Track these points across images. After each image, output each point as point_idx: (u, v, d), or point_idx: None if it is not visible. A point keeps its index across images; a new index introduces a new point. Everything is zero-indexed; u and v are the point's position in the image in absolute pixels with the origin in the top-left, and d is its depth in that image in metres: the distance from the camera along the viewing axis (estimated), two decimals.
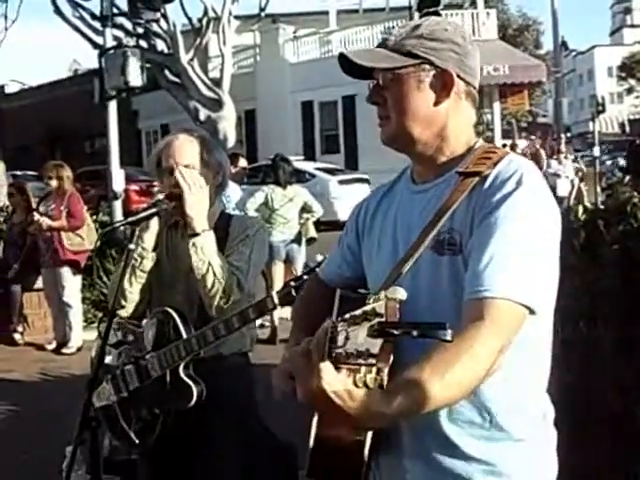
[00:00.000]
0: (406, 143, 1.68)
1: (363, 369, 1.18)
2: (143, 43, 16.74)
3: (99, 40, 14.28)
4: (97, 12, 12.99)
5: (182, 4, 18.02)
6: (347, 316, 1.22)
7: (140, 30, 16.86)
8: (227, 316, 2.42)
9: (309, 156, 22.51)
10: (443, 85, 1.64)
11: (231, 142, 17.53)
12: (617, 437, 3.18)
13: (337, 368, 1.27)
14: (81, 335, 7.74)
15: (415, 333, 1.14)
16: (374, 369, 1.17)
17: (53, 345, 7.87)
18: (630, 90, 54.50)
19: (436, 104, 1.65)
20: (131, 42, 15.01)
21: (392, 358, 1.23)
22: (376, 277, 1.73)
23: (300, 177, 15.82)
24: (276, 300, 2.32)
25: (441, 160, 1.69)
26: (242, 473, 2.69)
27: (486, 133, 23.18)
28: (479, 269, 1.47)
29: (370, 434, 1.50)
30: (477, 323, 1.41)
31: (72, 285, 7.75)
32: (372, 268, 1.79)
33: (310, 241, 8.20)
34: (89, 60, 23.07)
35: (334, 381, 1.27)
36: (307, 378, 1.29)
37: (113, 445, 3.65)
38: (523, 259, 1.47)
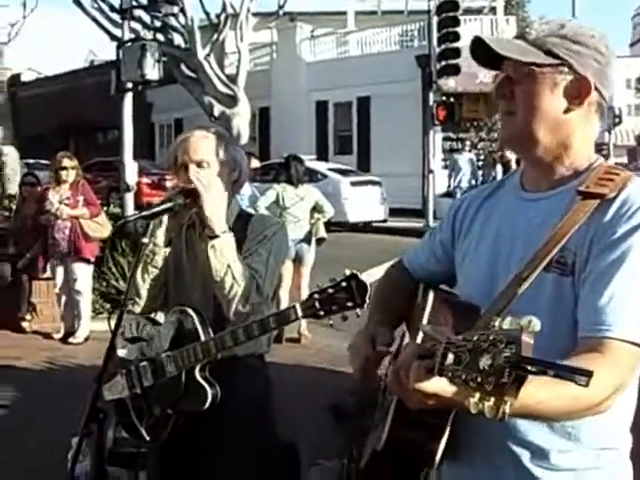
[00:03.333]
0: (527, 144, 1.61)
1: (477, 394, 1.10)
2: (160, 37, 16.73)
3: (116, 32, 14.29)
4: (116, 4, 13.03)
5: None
6: (470, 336, 1.14)
7: (158, 24, 16.85)
8: (247, 322, 2.39)
9: (322, 156, 22.49)
10: (578, 92, 1.57)
11: (244, 139, 17.50)
12: None
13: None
14: (89, 325, 7.77)
15: (551, 373, 1.07)
16: (493, 398, 1.08)
17: (61, 334, 7.90)
18: None
19: (567, 111, 1.58)
20: (148, 35, 15.01)
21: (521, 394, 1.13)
22: (470, 280, 1.70)
23: (312, 177, 15.84)
24: (300, 312, 2.25)
25: (559, 171, 1.62)
26: (250, 474, 2.67)
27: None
28: (600, 305, 1.42)
29: (444, 443, 1.48)
30: (597, 356, 1.36)
31: (84, 275, 7.79)
32: (465, 270, 1.76)
33: (320, 241, 8.20)
34: (105, 52, 23.07)
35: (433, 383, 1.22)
36: (409, 384, 1.25)
37: (117, 437, 3.65)
38: None
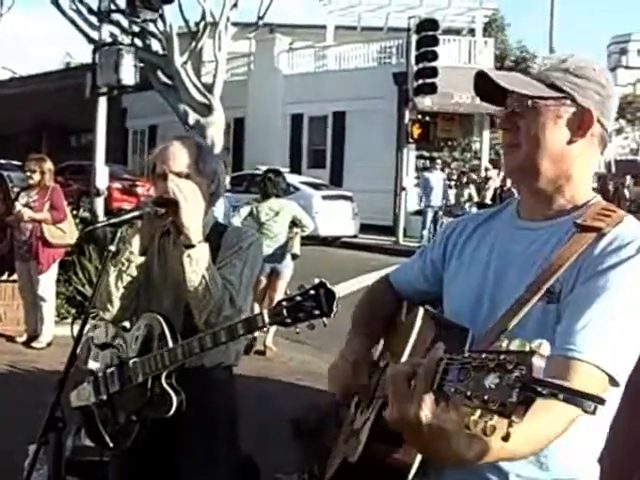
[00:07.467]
0: (530, 176, 1.64)
1: (478, 412, 1.08)
2: (138, 42, 16.64)
3: (94, 35, 14.20)
4: (95, 7, 12.94)
5: (180, 6, 17.97)
6: (475, 355, 1.13)
7: (136, 29, 16.77)
8: (215, 329, 2.37)
9: (295, 169, 22.48)
10: (581, 124, 1.60)
11: (218, 149, 17.42)
12: None
13: (441, 402, 1.19)
14: (52, 330, 7.65)
15: (561, 396, 1.06)
16: (495, 418, 1.07)
17: (24, 338, 7.76)
18: (619, 130, 54.91)
19: (570, 142, 1.61)
20: (126, 40, 14.93)
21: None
22: (456, 302, 1.73)
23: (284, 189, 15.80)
24: (267, 319, 2.25)
25: (558, 202, 1.65)
26: None
27: (473, 161, 23.25)
28: (576, 328, 1.43)
29: (419, 458, 1.49)
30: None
31: (47, 279, 7.63)
32: (453, 291, 1.77)
33: (293, 257, 8.07)
34: (82, 55, 22.95)
35: (433, 414, 1.19)
36: (405, 402, 1.22)
37: (77, 445, 3.60)
38: (622, 330, 1.43)
